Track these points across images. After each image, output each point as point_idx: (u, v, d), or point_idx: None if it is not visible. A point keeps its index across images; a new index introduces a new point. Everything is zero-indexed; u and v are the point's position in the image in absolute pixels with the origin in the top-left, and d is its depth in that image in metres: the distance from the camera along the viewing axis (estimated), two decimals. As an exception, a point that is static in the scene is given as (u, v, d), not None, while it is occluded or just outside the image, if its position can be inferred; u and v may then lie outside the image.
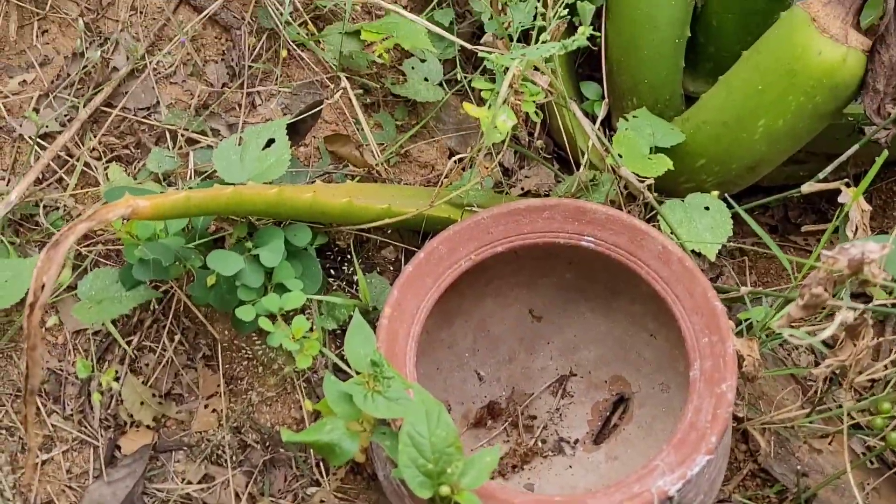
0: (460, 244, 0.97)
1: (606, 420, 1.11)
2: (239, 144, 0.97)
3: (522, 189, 1.27)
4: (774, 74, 1.02)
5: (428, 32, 1.07)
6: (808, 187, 1.01)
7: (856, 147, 0.98)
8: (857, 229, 0.97)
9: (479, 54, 0.89)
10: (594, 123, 1.11)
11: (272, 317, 0.87)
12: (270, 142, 0.99)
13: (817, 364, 1.16)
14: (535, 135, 1.30)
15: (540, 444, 1.11)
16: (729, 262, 1.29)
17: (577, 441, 1.11)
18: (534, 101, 0.97)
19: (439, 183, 1.02)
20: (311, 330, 0.88)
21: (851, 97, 1.03)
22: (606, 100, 1.19)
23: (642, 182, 1.00)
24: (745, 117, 1.06)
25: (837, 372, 0.93)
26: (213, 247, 0.96)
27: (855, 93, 1.03)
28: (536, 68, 0.98)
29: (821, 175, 1.02)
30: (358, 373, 0.83)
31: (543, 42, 0.87)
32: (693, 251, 1.04)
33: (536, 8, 0.93)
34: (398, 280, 0.93)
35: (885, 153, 0.95)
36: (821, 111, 1.03)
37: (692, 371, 0.93)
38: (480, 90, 0.95)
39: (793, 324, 0.96)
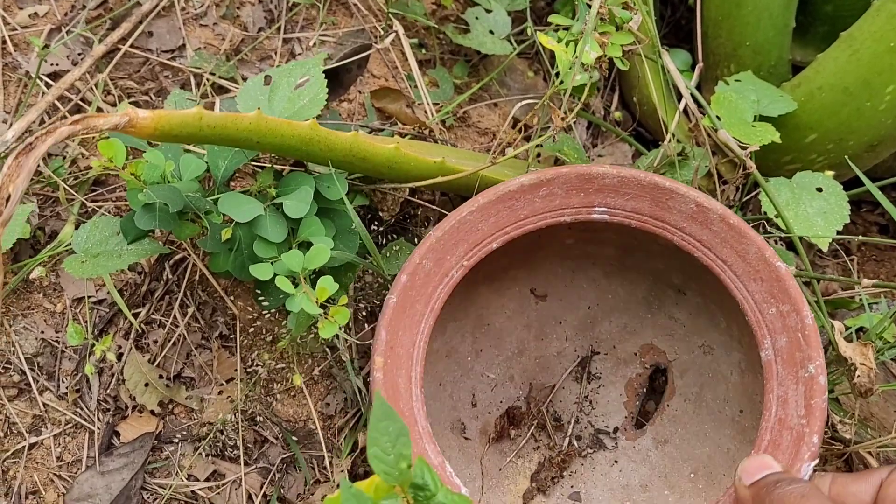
0: (447, 252, 0.78)
1: (645, 398, 0.92)
2: (267, 84, 0.81)
3: (595, 168, 1.09)
4: (912, 28, 0.83)
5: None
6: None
7: None
8: None
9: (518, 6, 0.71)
10: (689, 94, 0.94)
11: (294, 279, 0.70)
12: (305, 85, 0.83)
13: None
14: (613, 106, 1.12)
15: (575, 442, 0.93)
16: (831, 261, 1.09)
17: (616, 430, 0.93)
18: (621, 47, 0.80)
19: (498, 143, 0.85)
20: (344, 303, 0.71)
21: None
22: (700, 64, 1.01)
23: (744, 149, 0.82)
24: (872, 81, 0.87)
25: None
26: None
27: None
28: (625, 6, 0.80)
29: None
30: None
31: None
32: (801, 240, 0.85)
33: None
34: (382, 317, 0.74)
35: None
36: (965, 76, 0.84)
37: (763, 351, 0.74)
38: (557, 27, 0.78)
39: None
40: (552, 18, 0.76)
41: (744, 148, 0.83)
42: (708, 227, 0.77)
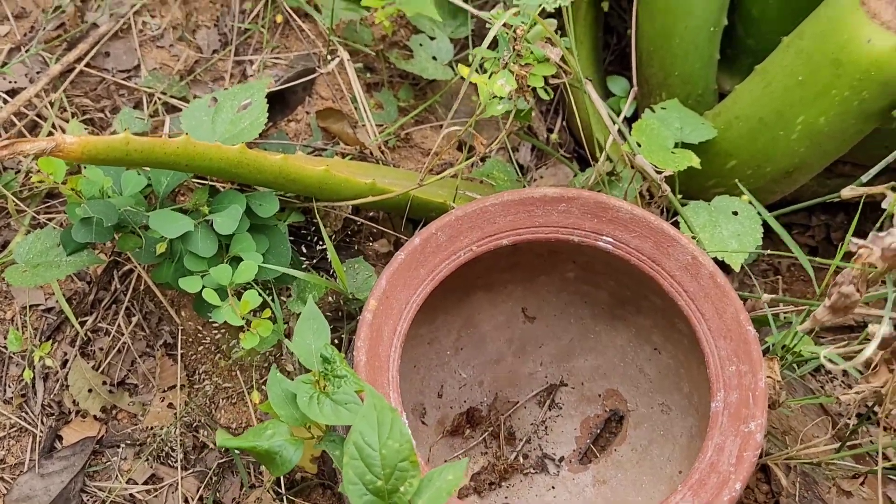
0: (462, 233, 0.82)
1: (596, 438, 0.95)
2: (212, 106, 0.83)
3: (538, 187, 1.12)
4: (817, 64, 0.86)
5: (439, 4, 0.93)
6: (848, 191, 0.84)
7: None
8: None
9: (482, 15, 0.74)
10: (622, 119, 0.97)
11: (223, 292, 0.72)
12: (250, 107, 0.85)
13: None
14: (555, 130, 1.15)
15: (521, 459, 0.95)
16: (760, 280, 1.12)
17: (562, 459, 0.95)
18: (543, 77, 0.82)
19: (428, 166, 0.87)
20: (269, 316, 0.74)
21: (906, 95, 0.87)
22: (634, 89, 1.04)
23: (659, 174, 0.85)
24: (783, 112, 0.90)
25: (870, 404, 0.76)
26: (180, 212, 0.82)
27: (913, 89, 0.86)
28: (549, 41, 0.83)
29: (864, 178, 0.85)
30: (308, 370, 0.68)
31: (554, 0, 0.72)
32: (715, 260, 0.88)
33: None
34: (388, 268, 0.78)
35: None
36: (868, 109, 0.87)
37: (714, 402, 0.77)
38: (483, 60, 0.80)
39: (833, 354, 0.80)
40: (476, 51, 0.79)
41: (659, 172, 0.86)
42: (697, 280, 0.80)
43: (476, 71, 0.77)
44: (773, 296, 0.81)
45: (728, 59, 1.05)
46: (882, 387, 0.75)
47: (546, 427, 0.99)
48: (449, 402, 0.98)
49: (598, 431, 0.98)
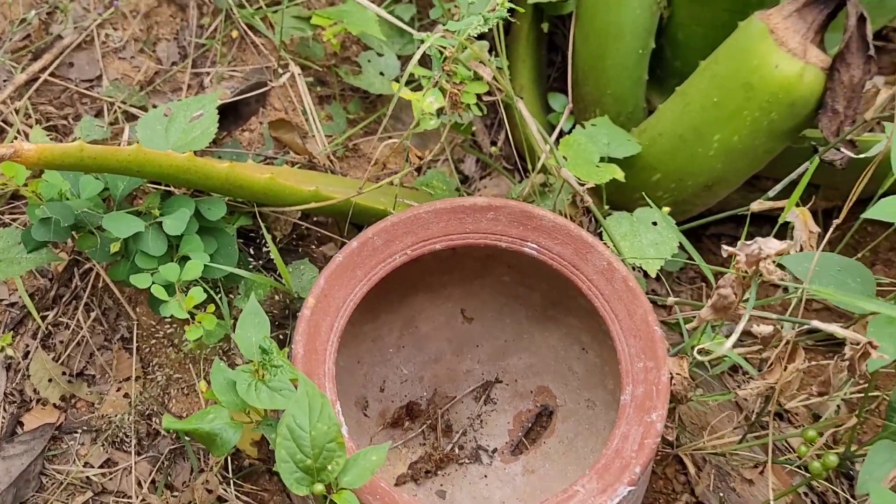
0: (397, 237, 0.89)
1: (528, 431, 1.02)
2: (166, 115, 0.89)
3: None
4: (730, 87, 0.94)
5: (384, 23, 1.00)
6: (757, 205, 0.92)
7: (807, 166, 0.89)
8: (801, 249, 0.88)
9: (415, 36, 0.81)
10: (557, 133, 1.04)
11: (172, 288, 0.78)
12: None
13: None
14: (499, 142, 1.22)
15: (457, 450, 1.02)
16: (686, 287, 1.20)
17: (494, 450, 1.02)
18: (476, 94, 0.89)
19: (378, 172, 0.94)
20: (214, 309, 0.80)
21: (810, 117, 0.95)
22: (569, 106, 1.11)
23: (582, 185, 0.92)
24: (701, 131, 0.98)
25: (766, 399, 0.83)
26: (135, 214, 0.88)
27: (814, 112, 0.94)
28: (482, 62, 0.90)
29: (771, 193, 0.93)
30: (249, 361, 0.74)
31: (478, 27, 0.79)
32: (635, 267, 0.95)
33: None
34: (326, 269, 0.85)
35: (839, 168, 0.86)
36: (777, 128, 0.95)
37: (623, 395, 0.84)
38: (419, 77, 0.87)
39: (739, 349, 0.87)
40: (412, 69, 0.86)
41: (583, 184, 0.93)
42: (612, 283, 0.87)
43: (410, 88, 0.83)
44: (677, 299, 0.88)
45: (658, 79, 1.12)
46: (775, 383, 0.82)
47: (481, 420, 1.05)
48: (390, 395, 1.04)
49: (530, 425, 1.04)
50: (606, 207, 1.04)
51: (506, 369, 1.06)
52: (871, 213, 0.68)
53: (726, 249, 0.64)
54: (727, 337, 0.98)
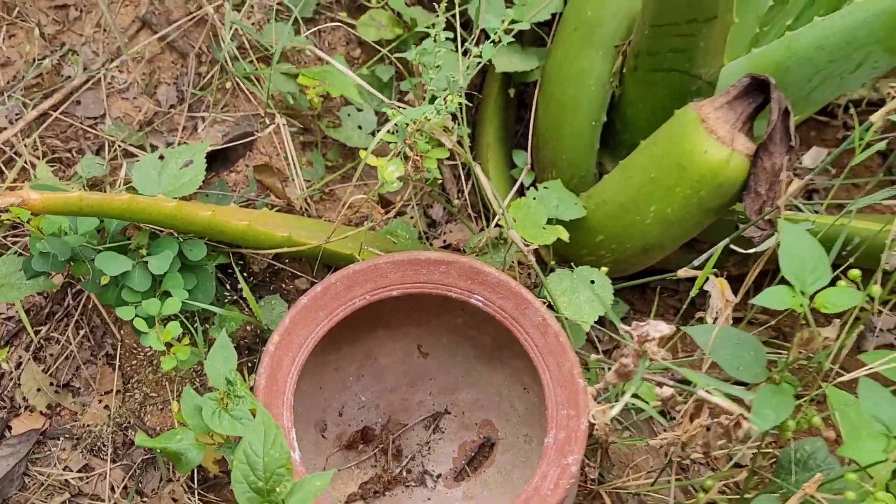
0: (357, 283, 0.99)
1: (470, 460, 1.12)
2: (160, 160, 1.00)
3: (445, 241, 1.29)
4: (666, 166, 1.05)
5: (361, 86, 1.10)
6: (683, 272, 1.03)
7: (726, 241, 1.00)
8: (717, 317, 0.98)
9: (383, 109, 0.91)
10: (517, 187, 1.14)
11: (153, 320, 0.88)
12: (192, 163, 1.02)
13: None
14: (465, 192, 1.32)
15: (405, 473, 1.12)
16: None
17: (439, 476, 1.12)
18: (437, 159, 1.00)
19: (347, 222, 1.04)
20: (188, 338, 0.90)
21: (736, 196, 1.05)
22: (527, 167, 1.21)
23: (528, 245, 1.02)
24: (639, 201, 1.08)
25: (673, 448, 0.93)
26: (124, 250, 0.98)
27: (739, 192, 1.05)
28: (446, 128, 1.01)
29: (696, 263, 1.03)
30: (217, 388, 0.84)
31: (437, 105, 0.89)
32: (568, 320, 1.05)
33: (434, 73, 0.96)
34: (292, 309, 0.95)
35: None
36: (706, 205, 1.05)
37: (547, 438, 0.94)
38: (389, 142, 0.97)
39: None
40: (383, 136, 0.96)
41: (528, 245, 1.03)
42: (545, 337, 0.97)
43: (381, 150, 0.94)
44: (598, 356, 0.98)
45: (611, 147, 1.23)
46: (681, 435, 0.93)
47: (429, 447, 1.15)
48: (348, 420, 1.14)
49: (472, 454, 1.14)
50: (552, 263, 1.14)
51: (455, 402, 1.17)
52: (758, 300, 0.79)
53: (622, 328, 0.75)
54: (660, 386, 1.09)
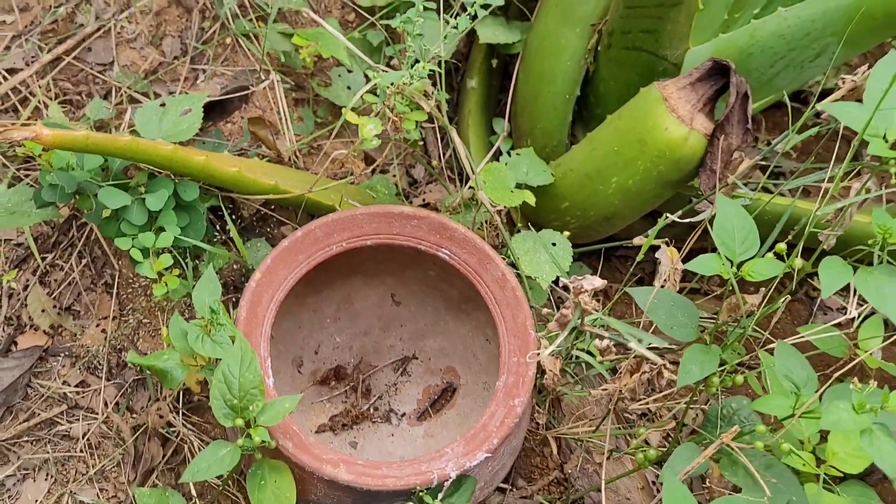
0: (336, 231, 1.08)
1: (433, 402, 1.21)
2: (161, 107, 1.08)
3: (424, 200, 1.38)
4: (628, 140, 1.12)
5: (356, 44, 1.18)
6: (638, 240, 1.11)
7: (678, 214, 1.08)
8: (665, 282, 1.07)
9: (366, 72, 0.99)
10: (493, 152, 1.22)
11: (147, 252, 0.98)
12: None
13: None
14: (444, 156, 1.40)
15: (372, 410, 1.21)
16: (592, 301, 1.39)
17: (403, 415, 1.21)
18: (416, 121, 1.08)
19: (332, 175, 1.12)
20: (178, 270, 0.99)
21: (693, 172, 1.13)
22: (504, 133, 1.29)
23: (496, 207, 1.11)
24: (603, 172, 1.16)
25: (615, 399, 1.03)
26: (125, 188, 1.07)
27: (696, 168, 1.13)
28: (426, 93, 1.09)
29: (650, 232, 1.11)
30: (202, 317, 0.94)
31: (414, 69, 0.97)
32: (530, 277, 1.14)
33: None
34: (273, 251, 1.04)
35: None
36: (664, 179, 1.13)
37: (499, 382, 1.03)
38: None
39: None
40: (365, 97, 1.04)
41: (495, 206, 1.11)
42: (503, 291, 1.06)
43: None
44: (548, 310, 1.07)
45: (585, 120, 1.31)
46: (620, 388, 1.02)
47: (396, 388, 1.25)
48: (323, 358, 1.24)
49: (435, 397, 1.24)
50: (520, 225, 1.23)
51: (422, 349, 1.26)
52: (690, 265, 0.87)
53: (562, 281, 0.83)
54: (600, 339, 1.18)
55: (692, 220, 1.00)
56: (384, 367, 1.26)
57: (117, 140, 0.92)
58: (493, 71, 1.39)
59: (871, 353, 1.11)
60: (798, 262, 0.87)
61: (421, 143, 1.31)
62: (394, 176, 1.34)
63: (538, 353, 0.99)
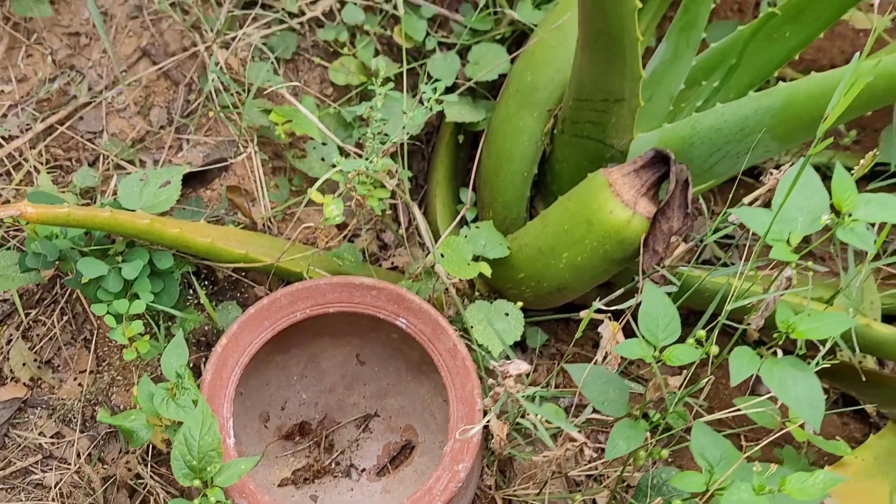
0: (299, 300, 1.15)
1: (392, 459, 1.28)
2: (142, 180, 1.16)
3: (392, 263, 1.46)
4: (577, 220, 1.20)
5: (329, 117, 1.27)
6: (584, 314, 1.19)
7: (620, 291, 1.15)
8: (606, 355, 1.14)
9: (334, 161, 1.07)
10: (457, 221, 1.30)
11: (121, 317, 1.05)
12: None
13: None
14: (412, 224, 1.48)
15: (334, 465, 1.28)
16: (546, 362, 1.46)
17: (363, 470, 1.28)
18: (380, 199, 1.16)
19: (304, 240, 1.20)
20: (150, 334, 1.06)
21: (637, 251, 1.21)
22: (467, 206, 1.37)
23: (451, 279, 1.18)
24: (554, 248, 1.24)
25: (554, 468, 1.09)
26: (104, 254, 1.14)
27: (639, 248, 1.20)
28: (390, 172, 1.17)
29: (596, 305, 1.19)
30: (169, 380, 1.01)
31: (371, 156, 1.06)
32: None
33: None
34: (240, 318, 1.11)
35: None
36: (610, 257, 1.21)
37: (447, 447, 1.10)
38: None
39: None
40: (321, 181, 1.12)
41: (451, 278, 1.19)
42: (454, 360, 1.13)
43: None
44: (491, 380, 1.14)
45: (543, 195, 1.39)
46: (557, 458, 1.08)
47: (358, 444, 1.31)
48: (289, 414, 1.31)
49: (394, 454, 1.30)
50: (477, 294, 1.30)
51: (384, 407, 1.33)
52: (617, 349, 0.95)
53: (494, 364, 0.91)
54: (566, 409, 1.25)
55: (619, 307, 1.07)
56: (347, 424, 1.32)
57: (97, 216, 1.00)
58: (460, 145, 1.47)
59: (799, 426, 1.18)
60: (714, 349, 0.95)
61: (390, 210, 1.39)
62: (364, 241, 1.41)
63: (470, 429, 1.06)
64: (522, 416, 1.18)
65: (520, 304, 1.25)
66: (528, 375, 1.20)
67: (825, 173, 1.65)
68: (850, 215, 0.85)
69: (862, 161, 0.88)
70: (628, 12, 0.99)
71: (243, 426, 1.24)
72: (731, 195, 1.67)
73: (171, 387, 1.00)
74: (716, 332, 0.94)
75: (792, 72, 1.66)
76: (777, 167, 1.66)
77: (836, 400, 1.44)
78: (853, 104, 1.01)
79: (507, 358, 0.99)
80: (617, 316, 1.14)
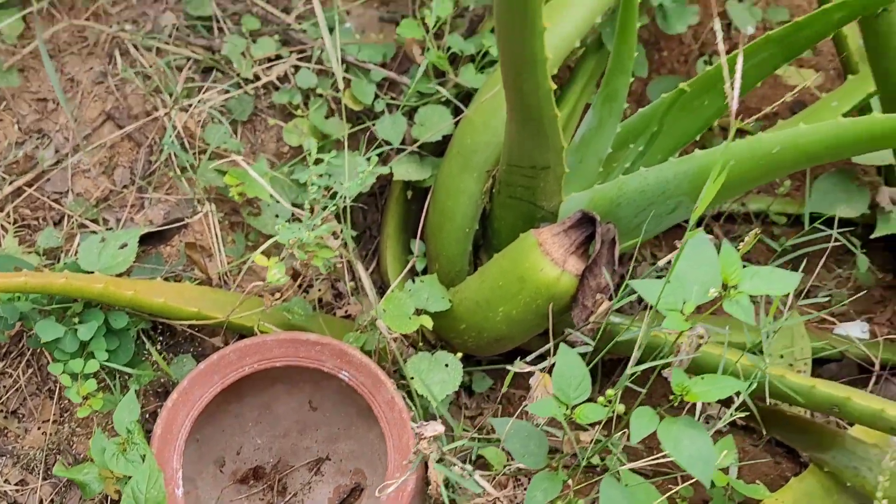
0: (247, 355, 1.22)
1: (342, 501, 1.35)
2: (101, 242, 1.23)
3: (346, 312, 1.53)
4: (511, 277, 1.27)
5: (278, 181, 1.34)
6: (517, 365, 1.26)
7: (550, 345, 1.23)
8: (535, 406, 1.21)
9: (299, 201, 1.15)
10: (408, 269, 1.38)
11: (76, 375, 1.12)
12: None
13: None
14: (365, 276, 1.56)
15: (287, 508, 1.35)
16: (492, 405, 1.53)
17: (315, 512, 1.35)
18: (325, 259, 1.24)
19: (258, 292, 1.28)
20: (105, 388, 1.14)
21: (568, 306, 1.28)
22: (413, 260, 1.45)
23: (392, 334, 1.25)
24: (491, 302, 1.31)
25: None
26: (63, 312, 1.21)
27: (570, 304, 1.28)
28: (334, 233, 1.24)
29: (528, 358, 1.26)
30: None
31: (314, 220, 1.13)
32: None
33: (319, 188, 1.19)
34: (190, 373, 1.18)
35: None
36: (542, 311, 1.28)
37: (383, 495, 1.16)
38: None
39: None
40: (260, 250, 1.19)
41: (392, 333, 1.26)
42: (392, 412, 1.20)
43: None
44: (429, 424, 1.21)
45: (486, 250, 1.46)
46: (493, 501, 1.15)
47: (310, 487, 1.38)
48: (244, 459, 1.37)
49: (344, 496, 1.37)
50: (420, 345, 1.38)
51: (335, 451, 1.40)
52: (531, 408, 1.02)
53: (414, 426, 0.98)
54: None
55: (538, 367, 1.14)
56: (300, 467, 1.39)
57: (52, 284, 1.08)
58: (410, 199, 1.55)
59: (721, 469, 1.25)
60: (620, 407, 1.02)
61: (341, 263, 1.47)
62: (319, 290, 1.49)
63: (391, 484, 1.13)
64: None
65: (460, 354, 1.32)
66: (449, 432, 1.28)
67: (763, 219, 1.74)
68: (735, 288, 0.92)
69: (747, 238, 0.95)
70: (545, 94, 1.07)
71: (199, 472, 1.31)
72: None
73: (122, 442, 1.07)
74: (618, 392, 1.01)
75: (739, 122, 1.74)
76: (718, 215, 1.75)
77: (770, 440, 1.51)
78: (750, 176, 1.09)
79: (434, 417, 1.06)
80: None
